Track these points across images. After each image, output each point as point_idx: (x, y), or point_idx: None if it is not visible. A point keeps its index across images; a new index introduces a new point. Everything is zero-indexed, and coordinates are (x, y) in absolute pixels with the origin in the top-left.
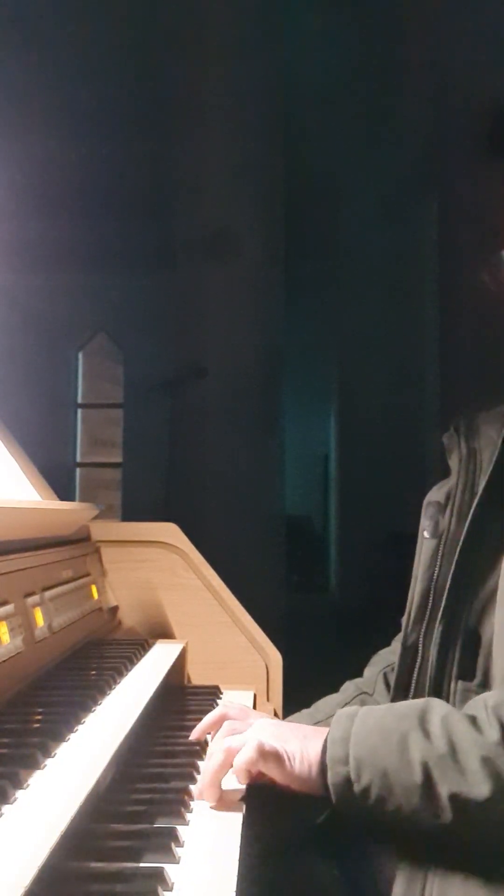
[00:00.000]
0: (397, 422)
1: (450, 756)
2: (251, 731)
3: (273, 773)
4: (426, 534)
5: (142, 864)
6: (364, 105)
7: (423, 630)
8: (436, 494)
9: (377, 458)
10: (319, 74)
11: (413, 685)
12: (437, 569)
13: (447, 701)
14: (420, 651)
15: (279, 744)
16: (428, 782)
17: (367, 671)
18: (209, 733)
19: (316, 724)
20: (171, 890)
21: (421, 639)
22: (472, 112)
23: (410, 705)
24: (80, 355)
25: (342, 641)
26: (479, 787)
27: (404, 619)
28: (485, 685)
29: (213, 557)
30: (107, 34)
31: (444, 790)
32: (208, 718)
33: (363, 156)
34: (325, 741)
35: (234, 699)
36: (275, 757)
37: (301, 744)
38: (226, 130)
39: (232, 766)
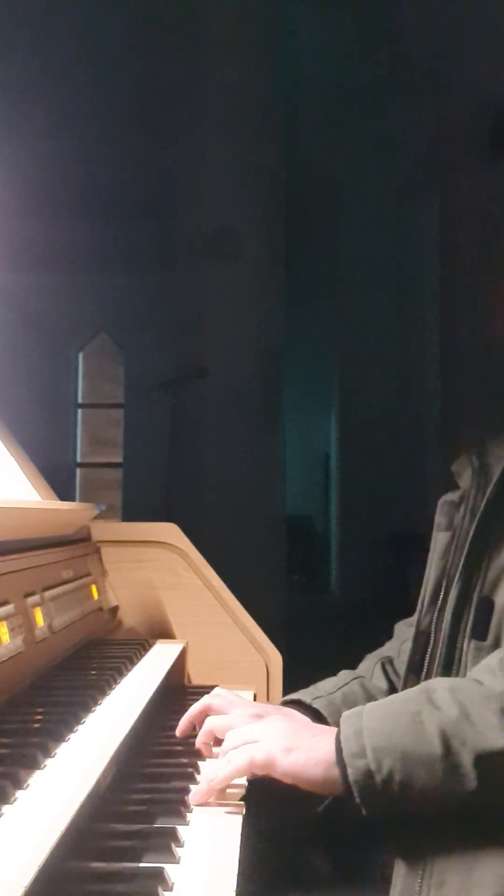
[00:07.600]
0: (398, 422)
1: (464, 718)
2: (257, 731)
3: (276, 776)
4: (441, 528)
5: (142, 864)
6: (365, 106)
7: (435, 614)
8: (451, 496)
9: (378, 457)
10: (320, 75)
11: (425, 668)
12: (450, 558)
13: (460, 658)
14: (433, 634)
15: (284, 750)
16: (448, 750)
17: (362, 665)
18: (195, 725)
19: (314, 700)
20: (171, 890)
21: (433, 622)
22: (473, 113)
23: (413, 689)
24: (81, 355)
25: (343, 641)
26: (501, 739)
27: (418, 606)
28: (496, 645)
29: (213, 557)
30: (107, 35)
31: (465, 753)
32: (192, 710)
33: (364, 156)
34: (337, 739)
35: None
36: (268, 767)
37: (309, 743)
38: (226, 130)
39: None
